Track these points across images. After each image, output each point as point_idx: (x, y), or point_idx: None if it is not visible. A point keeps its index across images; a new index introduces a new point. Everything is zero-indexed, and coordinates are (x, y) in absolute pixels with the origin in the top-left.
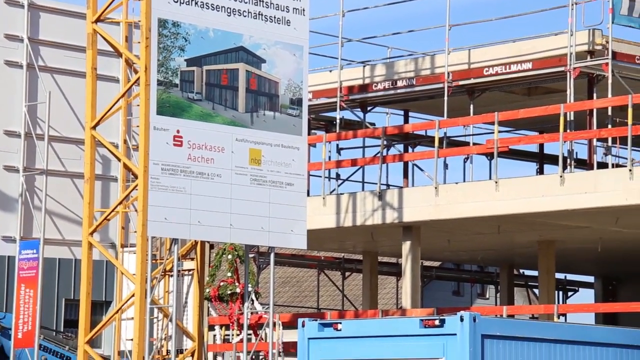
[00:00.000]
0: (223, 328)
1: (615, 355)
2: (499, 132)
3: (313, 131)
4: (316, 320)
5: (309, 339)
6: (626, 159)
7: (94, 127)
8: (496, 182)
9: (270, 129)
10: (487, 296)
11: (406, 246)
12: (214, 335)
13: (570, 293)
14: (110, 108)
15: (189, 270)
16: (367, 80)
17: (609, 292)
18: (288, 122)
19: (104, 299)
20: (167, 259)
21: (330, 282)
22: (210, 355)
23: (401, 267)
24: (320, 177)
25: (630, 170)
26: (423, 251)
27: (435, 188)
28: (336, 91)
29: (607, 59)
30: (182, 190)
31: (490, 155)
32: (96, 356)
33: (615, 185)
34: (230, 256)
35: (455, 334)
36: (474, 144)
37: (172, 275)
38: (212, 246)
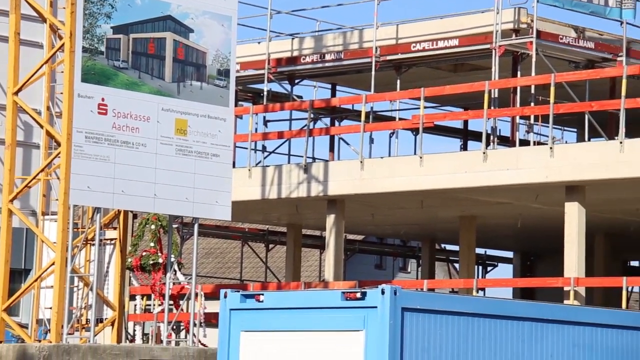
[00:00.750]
0: (144, 298)
1: (531, 329)
2: (425, 107)
3: (240, 103)
4: (238, 291)
5: (231, 310)
6: (548, 136)
7: (16, 93)
8: (421, 158)
9: (197, 100)
10: (409, 270)
11: (330, 219)
12: (135, 305)
13: (489, 268)
14: (34, 74)
15: (111, 239)
16: (296, 53)
17: (527, 267)
18: (215, 93)
19: (23, 267)
20: (89, 228)
21: (254, 253)
22: (130, 324)
23: (325, 240)
24: (247, 149)
25: (551, 148)
26: (347, 225)
27: (361, 162)
28: (264, 63)
29: (532, 37)
30: (106, 159)
31: (415, 131)
32: (13, 324)
33: (536, 163)
34: (153, 226)
35: (376, 307)
36: (400, 119)
37: (93, 244)
38: (135, 216)
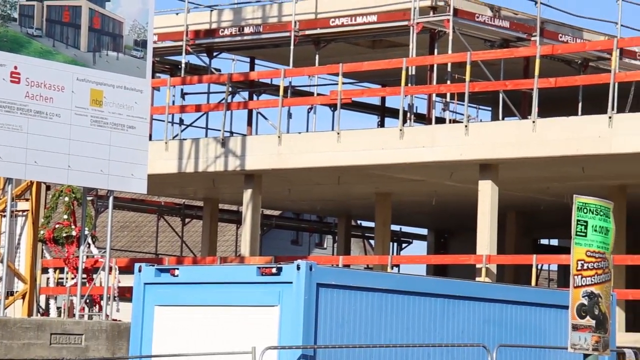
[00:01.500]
0: (57, 271)
1: (443, 305)
2: (343, 83)
3: (157, 74)
4: (153, 265)
5: (145, 284)
6: (463, 115)
7: None
8: (338, 134)
9: (113, 70)
10: (325, 246)
11: (247, 194)
12: (48, 278)
13: (404, 244)
14: None
15: (23, 211)
16: (214, 26)
17: (440, 244)
18: (132, 63)
19: None
20: (0, 199)
21: (169, 227)
22: (42, 298)
23: (241, 214)
24: (164, 121)
25: (466, 126)
26: (264, 200)
27: (279, 137)
28: (182, 35)
29: (449, 15)
30: (18, 129)
31: (333, 107)
32: None
33: (451, 141)
34: (67, 198)
35: (291, 283)
36: (318, 94)
37: (4, 216)
38: (48, 187)
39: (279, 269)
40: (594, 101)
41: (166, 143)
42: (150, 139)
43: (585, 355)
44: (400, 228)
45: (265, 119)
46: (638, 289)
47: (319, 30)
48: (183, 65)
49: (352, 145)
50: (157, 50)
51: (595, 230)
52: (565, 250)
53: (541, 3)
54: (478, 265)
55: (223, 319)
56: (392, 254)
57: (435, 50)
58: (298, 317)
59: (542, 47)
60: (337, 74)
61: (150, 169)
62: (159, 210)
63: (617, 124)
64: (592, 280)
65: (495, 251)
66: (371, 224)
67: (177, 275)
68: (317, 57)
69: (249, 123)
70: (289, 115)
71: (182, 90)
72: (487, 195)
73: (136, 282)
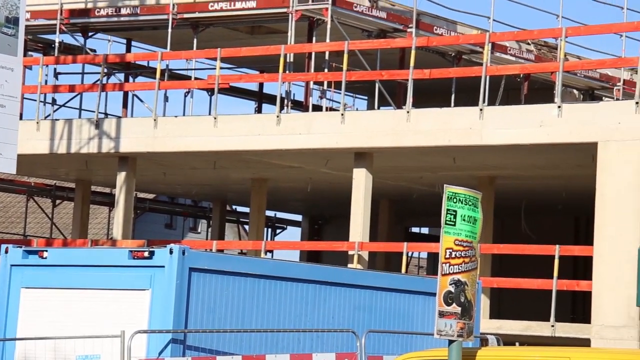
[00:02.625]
0: None
1: (315, 291)
2: (221, 68)
3: (30, 53)
4: (21, 247)
5: (12, 265)
6: (340, 103)
7: None
8: (215, 118)
9: None
10: (199, 230)
11: (121, 177)
12: None
13: (279, 230)
14: None
15: None
16: (90, 5)
17: (315, 230)
18: (2, 41)
19: None
20: None
21: (39, 209)
22: None
23: (115, 197)
24: (35, 101)
25: (342, 114)
26: (138, 183)
27: (154, 120)
28: (56, 13)
29: (327, 4)
30: None
31: (211, 91)
32: None
33: (327, 128)
34: None
35: (163, 267)
36: (196, 78)
37: None
38: None
39: (151, 253)
40: (466, 93)
41: (37, 123)
42: (20, 118)
43: (450, 341)
44: (275, 214)
45: (141, 101)
46: (503, 277)
47: (197, 14)
48: (57, 44)
49: (229, 131)
50: (30, 28)
51: (464, 220)
52: (436, 238)
53: None
54: (350, 252)
55: (93, 302)
56: (266, 239)
57: (314, 38)
58: (169, 302)
59: (418, 39)
60: (215, 59)
61: (20, 148)
62: (29, 190)
63: (488, 117)
64: (459, 269)
65: (367, 238)
66: (246, 210)
67: (45, 258)
68: (195, 40)
69: (125, 105)
70: (166, 99)
71: (55, 69)
72: (362, 183)
73: (2, 264)
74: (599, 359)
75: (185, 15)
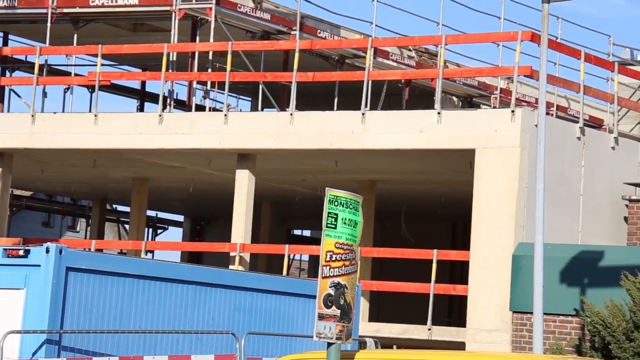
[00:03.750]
0: None
1: (195, 292)
2: (102, 65)
3: None
4: None
5: None
6: (223, 103)
7: None
8: (96, 116)
9: None
10: (78, 229)
11: None
12: None
13: (160, 230)
14: None
15: None
16: None
17: (196, 231)
18: None
19: None
20: None
21: None
22: None
23: None
24: None
25: (225, 115)
26: (14, 179)
27: (32, 116)
28: None
29: (211, 3)
30: None
31: (91, 88)
32: None
33: (210, 129)
34: None
35: (39, 266)
36: (76, 74)
37: None
38: None
39: (27, 251)
40: (349, 97)
41: None
42: None
43: (329, 344)
44: (157, 214)
45: (19, 96)
46: (382, 281)
47: (77, 9)
48: None
49: (110, 129)
50: None
51: (345, 223)
52: (317, 241)
53: None
54: (232, 254)
55: None
56: (147, 239)
57: (197, 38)
58: (44, 301)
59: (301, 42)
60: (96, 55)
61: None
62: None
63: (370, 121)
64: (339, 272)
65: (249, 240)
66: (127, 209)
67: None
68: (75, 36)
69: (1, 100)
70: (44, 95)
71: None
72: (244, 184)
73: None
74: None
75: (65, 10)
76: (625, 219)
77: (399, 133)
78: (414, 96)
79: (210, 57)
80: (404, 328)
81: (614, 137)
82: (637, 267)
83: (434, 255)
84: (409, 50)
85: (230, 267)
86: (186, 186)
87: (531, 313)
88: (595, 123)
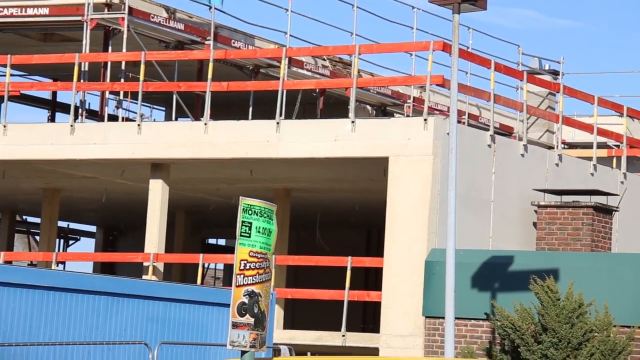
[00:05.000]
0: None
1: (107, 303)
2: (12, 75)
3: None
4: None
5: None
6: (136, 113)
7: None
8: (5, 127)
9: None
10: None
11: None
12: None
13: (71, 241)
14: None
15: None
16: None
17: (109, 242)
18: None
19: None
20: None
21: None
22: None
23: None
24: None
25: (139, 125)
26: None
27: None
28: None
29: (124, 13)
30: None
31: (0, 99)
32: None
33: (123, 139)
34: None
35: None
36: None
37: None
38: None
39: None
40: (263, 107)
41: None
42: None
43: (243, 352)
44: (68, 224)
45: None
46: (297, 289)
47: None
48: None
49: (20, 139)
50: None
51: (259, 232)
52: (232, 250)
53: (215, 8)
54: (145, 264)
55: None
56: (58, 250)
57: (110, 48)
58: None
59: (216, 51)
60: (5, 65)
61: None
62: None
63: (284, 130)
64: (253, 280)
65: (163, 250)
66: (37, 220)
67: None
68: None
69: None
70: None
71: None
72: (158, 194)
73: None
74: None
75: None
76: (534, 224)
77: (313, 142)
78: (329, 105)
79: (123, 67)
80: (318, 335)
81: (524, 145)
82: (545, 271)
83: (348, 262)
84: (323, 59)
85: (144, 277)
86: (99, 196)
87: (443, 318)
88: (505, 131)
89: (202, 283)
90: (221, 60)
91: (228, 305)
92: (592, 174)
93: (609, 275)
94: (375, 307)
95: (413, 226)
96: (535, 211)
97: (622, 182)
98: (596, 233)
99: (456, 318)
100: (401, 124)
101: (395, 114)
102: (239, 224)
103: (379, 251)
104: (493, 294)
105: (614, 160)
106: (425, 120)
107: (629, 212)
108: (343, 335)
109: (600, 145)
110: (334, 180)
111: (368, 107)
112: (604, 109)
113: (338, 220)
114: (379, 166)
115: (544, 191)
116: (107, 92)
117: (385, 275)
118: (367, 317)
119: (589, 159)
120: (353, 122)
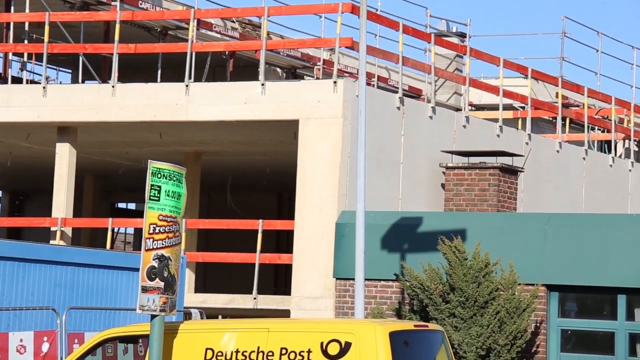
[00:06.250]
0: None
1: (13, 268)
2: None
3: None
4: None
5: None
6: (41, 75)
7: None
8: None
9: None
10: None
11: None
12: None
13: None
14: None
15: None
16: None
17: (15, 206)
18: None
19: None
20: None
21: None
22: None
23: None
24: None
25: (44, 87)
26: None
27: None
28: None
29: None
30: None
31: None
32: None
33: (28, 102)
34: None
35: None
36: None
37: None
38: None
39: None
40: (173, 69)
41: None
42: None
43: (153, 316)
44: None
45: None
46: (208, 252)
47: None
48: None
49: None
50: None
51: (168, 195)
52: (142, 214)
53: None
54: (53, 228)
55: None
56: None
57: (12, 8)
58: None
59: (122, 13)
60: None
61: None
62: None
63: (194, 93)
64: (163, 244)
65: (71, 214)
66: None
67: None
68: None
69: None
70: None
71: None
72: (65, 158)
73: None
74: (292, 328)
75: None
76: (443, 185)
77: (223, 105)
78: (239, 68)
79: (27, 28)
80: (230, 298)
81: (432, 107)
82: (453, 231)
83: (260, 225)
84: (233, 21)
85: (52, 242)
86: (4, 160)
87: (354, 279)
88: (414, 93)
89: (111, 248)
90: (128, 22)
91: (138, 270)
92: (498, 136)
93: (514, 235)
94: (287, 269)
95: (323, 188)
96: (444, 173)
97: (526, 143)
98: (502, 193)
99: (366, 279)
100: (311, 86)
101: (305, 77)
102: (147, 188)
103: (290, 214)
104: (402, 255)
105: (519, 121)
106: (334, 82)
107: (533, 172)
108: (254, 298)
109: (506, 107)
110: (245, 143)
111: (278, 69)
112: (509, 71)
113: (249, 183)
114: (289, 129)
115: (452, 153)
116: (10, 54)
117: (297, 237)
118: (279, 280)
119: (495, 120)
120: (263, 85)
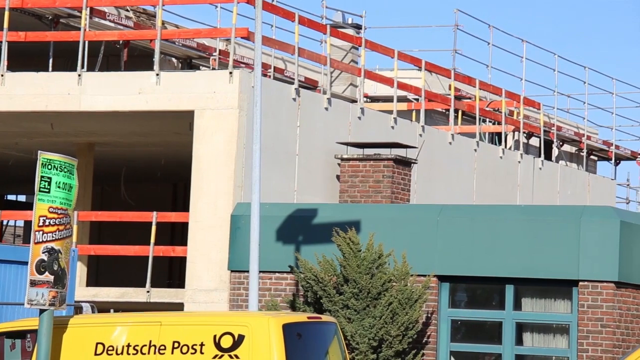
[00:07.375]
0: None
1: None
2: None
3: None
4: None
5: None
6: None
7: None
8: None
9: None
10: None
11: None
12: None
13: None
14: None
15: None
16: None
17: None
18: None
19: None
20: None
21: None
22: None
23: None
24: None
25: None
26: None
27: None
28: None
29: None
30: None
31: None
32: None
33: None
34: None
35: None
36: None
37: None
38: None
39: None
40: (65, 58)
41: None
42: None
43: (42, 311)
44: None
45: None
46: (100, 245)
47: None
48: None
49: None
50: None
51: (59, 187)
52: (32, 206)
53: None
54: None
55: None
56: None
57: None
58: None
59: (11, 0)
60: None
61: None
62: None
63: (87, 83)
64: (53, 236)
65: None
66: None
67: None
68: None
69: None
70: None
71: None
72: None
73: None
74: (184, 322)
75: None
76: (338, 177)
77: (117, 95)
78: (133, 57)
79: None
80: (122, 291)
81: (327, 98)
82: (347, 223)
83: (154, 217)
84: (127, 10)
85: None
86: None
87: (248, 271)
88: (310, 84)
89: (0, 241)
90: (18, 9)
91: (27, 263)
92: (392, 127)
93: (407, 226)
94: (182, 262)
95: (219, 180)
96: (339, 164)
97: (420, 135)
98: (396, 185)
99: (261, 271)
100: (207, 77)
101: (201, 67)
102: (37, 179)
103: (185, 206)
104: (297, 247)
105: (414, 113)
106: (230, 73)
107: (426, 163)
108: (148, 291)
109: (401, 99)
110: (139, 134)
111: (174, 59)
112: (404, 63)
113: (144, 174)
114: (184, 120)
115: (347, 144)
116: None
117: (191, 229)
118: (174, 273)
119: (390, 112)
120: (158, 75)
